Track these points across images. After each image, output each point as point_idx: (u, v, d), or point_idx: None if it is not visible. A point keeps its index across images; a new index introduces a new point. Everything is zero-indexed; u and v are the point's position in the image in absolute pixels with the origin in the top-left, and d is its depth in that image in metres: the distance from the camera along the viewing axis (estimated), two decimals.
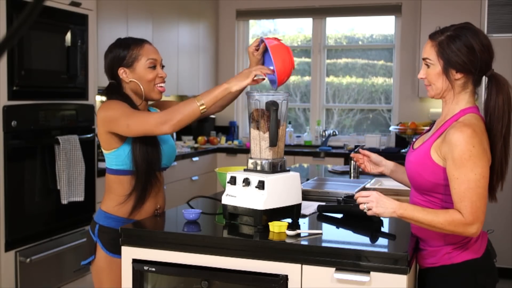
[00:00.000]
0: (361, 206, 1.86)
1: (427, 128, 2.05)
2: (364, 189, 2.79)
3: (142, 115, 2.05)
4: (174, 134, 4.99)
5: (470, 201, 1.73)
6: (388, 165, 2.25)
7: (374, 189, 2.77)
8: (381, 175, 2.36)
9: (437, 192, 1.85)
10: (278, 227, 1.92)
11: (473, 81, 1.86)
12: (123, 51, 2.16)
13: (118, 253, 2.09)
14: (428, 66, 1.88)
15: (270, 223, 1.94)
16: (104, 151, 2.18)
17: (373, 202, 1.82)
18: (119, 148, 2.13)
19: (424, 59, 1.89)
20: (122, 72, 2.17)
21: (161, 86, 2.21)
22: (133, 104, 2.16)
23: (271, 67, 2.04)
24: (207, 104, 2.01)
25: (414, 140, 2.05)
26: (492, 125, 1.82)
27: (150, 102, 2.30)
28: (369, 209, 1.84)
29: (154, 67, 2.18)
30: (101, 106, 2.14)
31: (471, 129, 1.75)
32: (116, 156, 2.14)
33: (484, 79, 1.89)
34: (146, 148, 2.13)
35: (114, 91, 2.18)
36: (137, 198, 2.15)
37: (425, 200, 1.89)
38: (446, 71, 1.83)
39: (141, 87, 2.16)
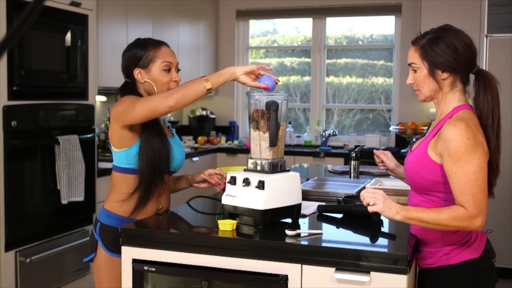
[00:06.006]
0: (367, 200, 1.82)
1: (426, 129, 2.06)
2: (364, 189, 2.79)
3: (147, 97, 2.11)
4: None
5: (471, 193, 1.72)
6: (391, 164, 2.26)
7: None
8: (382, 175, 2.35)
9: (437, 190, 1.85)
10: (226, 225, 1.95)
11: (460, 79, 1.88)
12: (140, 52, 2.20)
13: (118, 252, 2.10)
14: (415, 71, 1.91)
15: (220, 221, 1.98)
16: (114, 149, 2.18)
17: (380, 199, 1.80)
18: (131, 147, 2.14)
19: (409, 64, 1.92)
20: (138, 73, 2.20)
21: None
22: None
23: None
24: (213, 86, 2.02)
25: (413, 142, 2.06)
26: (483, 121, 1.84)
27: None
28: (374, 204, 1.80)
29: (169, 70, 2.21)
30: (114, 104, 2.16)
31: (464, 123, 1.77)
32: (126, 155, 2.15)
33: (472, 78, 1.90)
34: (155, 150, 2.14)
35: (128, 90, 2.20)
36: (140, 198, 2.15)
37: (425, 200, 1.89)
38: (432, 72, 1.86)
39: (155, 88, 2.19)
